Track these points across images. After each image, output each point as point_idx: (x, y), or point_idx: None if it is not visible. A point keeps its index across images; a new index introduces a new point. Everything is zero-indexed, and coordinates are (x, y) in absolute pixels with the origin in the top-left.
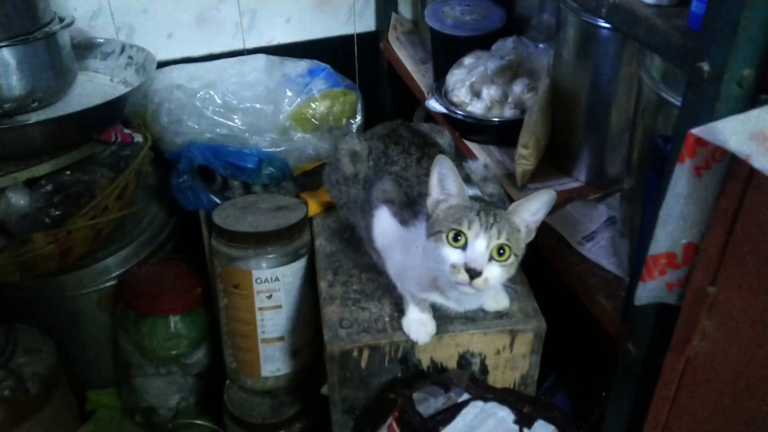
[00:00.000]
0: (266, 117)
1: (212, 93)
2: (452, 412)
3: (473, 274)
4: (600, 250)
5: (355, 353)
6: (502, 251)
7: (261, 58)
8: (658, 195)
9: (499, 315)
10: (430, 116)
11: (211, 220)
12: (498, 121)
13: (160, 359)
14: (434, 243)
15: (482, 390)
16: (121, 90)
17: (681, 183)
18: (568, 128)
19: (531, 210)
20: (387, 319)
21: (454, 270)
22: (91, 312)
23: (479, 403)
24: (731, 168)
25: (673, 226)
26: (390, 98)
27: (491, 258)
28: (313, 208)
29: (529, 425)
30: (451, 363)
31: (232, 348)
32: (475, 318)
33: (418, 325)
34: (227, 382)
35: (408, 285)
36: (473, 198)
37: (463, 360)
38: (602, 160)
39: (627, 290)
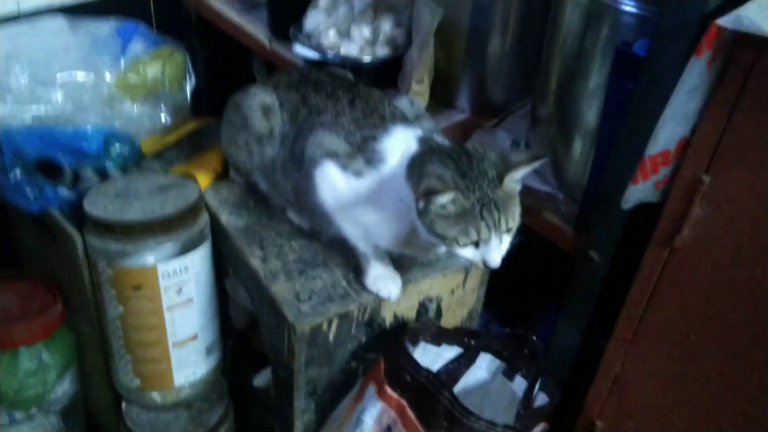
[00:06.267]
0: (88, 88)
1: (14, 65)
2: (466, 362)
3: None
4: None
5: (325, 326)
6: (510, 228)
7: (58, 18)
8: (626, 99)
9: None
10: (272, 66)
11: (85, 216)
12: (378, 61)
13: (19, 403)
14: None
15: (462, 336)
16: None
17: (694, 76)
18: (450, 58)
19: (526, 171)
20: (344, 283)
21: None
22: None
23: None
24: (733, 56)
25: (676, 122)
26: (203, 55)
27: None
28: (204, 181)
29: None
30: (411, 313)
31: (133, 363)
32: (429, 262)
33: (386, 280)
34: (123, 406)
35: (377, 240)
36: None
37: (422, 308)
38: (485, 88)
39: (583, 200)
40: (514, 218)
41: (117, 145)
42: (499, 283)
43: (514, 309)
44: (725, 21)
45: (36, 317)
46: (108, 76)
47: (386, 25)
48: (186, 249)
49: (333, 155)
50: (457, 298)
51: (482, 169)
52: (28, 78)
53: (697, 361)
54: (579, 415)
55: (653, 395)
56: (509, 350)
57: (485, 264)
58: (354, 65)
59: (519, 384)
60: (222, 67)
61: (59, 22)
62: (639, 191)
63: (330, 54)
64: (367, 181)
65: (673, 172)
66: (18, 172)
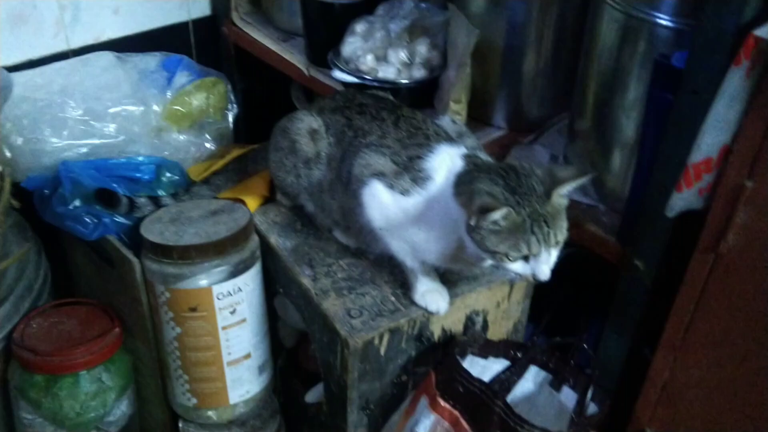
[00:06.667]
0: (137, 120)
1: (69, 100)
2: (517, 372)
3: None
4: None
5: (376, 341)
6: (558, 242)
7: (107, 54)
8: (666, 110)
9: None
10: (309, 93)
11: (143, 241)
12: (415, 83)
13: (80, 425)
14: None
15: (509, 348)
16: None
17: (734, 85)
18: (485, 77)
19: (573, 186)
20: (393, 298)
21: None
22: None
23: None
24: None
25: (718, 130)
26: (241, 84)
27: None
28: (252, 204)
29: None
30: (458, 327)
31: (190, 382)
32: (475, 276)
33: (434, 295)
34: (180, 425)
35: (424, 256)
36: (487, 174)
37: (469, 321)
38: (522, 105)
39: (626, 210)
40: (562, 232)
41: (167, 173)
42: (543, 295)
43: (558, 321)
44: (763, 32)
45: (96, 341)
46: (156, 108)
47: (422, 48)
48: (238, 270)
49: (380, 175)
50: (503, 311)
51: (530, 184)
52: (82, 111)
53: (746, 365)
54: (628, 424)
55: (703, 401)
56: (555, 362)
57: (535, 277)
58: (391, 88)
59: (566, 395)
60: (261, 95)
61: (108, 59)
62: (683, 199)
63: (368, 78)
64: (414, 199)
65: (716, 178)
66: (77, 202)
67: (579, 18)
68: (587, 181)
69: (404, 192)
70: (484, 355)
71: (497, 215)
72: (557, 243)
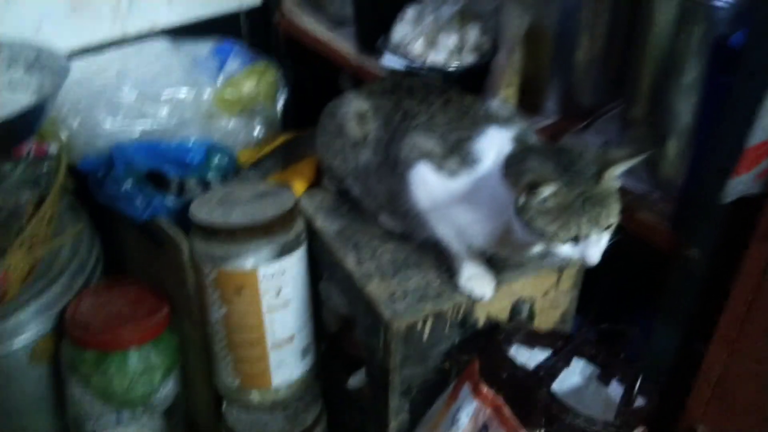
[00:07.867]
0: (189, 105)
1: (124, 85)
2: (563, 358)
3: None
4: None
5: (420, 325)
6: (609, 224)
7: (162, 40)
8: (724, 93)
9: (544, 254)
10: (358, 81)
11: (192, 222)
12: (464, 69)
13: (128, 402)
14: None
15: (556, 339)
16: (20, 95)
17: None
18: (537, 63)
19: (625, 167)
20: (437, 283)
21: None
22: (22, 369)
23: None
24: None
25: None
26: (291, 71)
27: None
28: (299, 188)
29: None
30: (504, 315)
31: (234, 363)
32: (522, 263)
33: (479, 280)
34: (223, 406)
35: (471, 240)
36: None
37: (515, 309)
38: (573, 92)
39: (681, 197)
40: (613, 214)
41: (217, 156)
42: (592, 286)
43: (608, 313)
44: None
45: (145, 320)
46: (207, 93)
47: (473, 33)
48: (284, 252)
49: (428, 156)
50: (550, 300)
51: (581, 165)
52: (136, 96)
53: None
54: (679, 419)
55: (758, 397)
56: (604, 355)
57: (584, 261)
58: (441, 73)
59: (614, 389)
60: (310, 82)
61: (163, 44)
62: (740, 183)
63: (418, 63)
64: (462, 180)
65: None
66: (129, 183)
67: (634, 2)
68: (640, 165)
69: (452, 173)
70: (530, 345)
71: (547, 191)
72: (608, 225)
